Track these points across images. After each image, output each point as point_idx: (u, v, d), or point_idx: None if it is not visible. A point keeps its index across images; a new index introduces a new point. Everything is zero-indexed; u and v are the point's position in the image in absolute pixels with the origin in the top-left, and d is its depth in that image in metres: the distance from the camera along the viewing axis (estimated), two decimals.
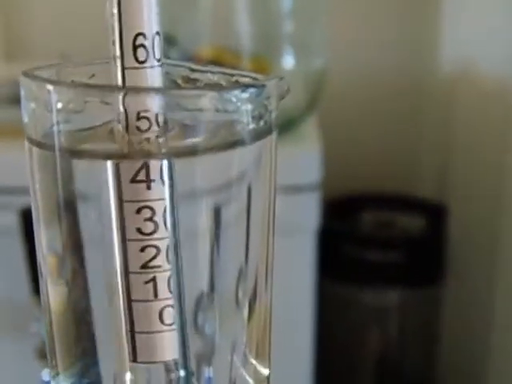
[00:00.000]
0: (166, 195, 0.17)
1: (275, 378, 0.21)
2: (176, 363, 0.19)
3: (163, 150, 0.17)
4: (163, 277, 0.17)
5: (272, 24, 0.69)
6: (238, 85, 0.19)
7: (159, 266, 0.17)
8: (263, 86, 0.18)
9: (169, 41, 0.64)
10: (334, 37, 0.72)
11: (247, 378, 0.20)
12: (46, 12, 0.87)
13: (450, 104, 0.86)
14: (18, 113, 0.19)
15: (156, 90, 0.17)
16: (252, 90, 0.18)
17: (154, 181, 0.17)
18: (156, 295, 0.18)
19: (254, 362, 0.20)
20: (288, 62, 0.68)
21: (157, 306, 0.18)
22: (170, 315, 0.18)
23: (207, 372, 0.20)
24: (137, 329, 0.18)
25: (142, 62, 0.17)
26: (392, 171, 0.95)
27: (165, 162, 0.17)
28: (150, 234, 0.17)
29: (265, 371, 0.20)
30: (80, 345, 0.19)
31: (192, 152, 0.17)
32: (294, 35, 0.69)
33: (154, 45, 0.17)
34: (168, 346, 0.18)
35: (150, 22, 0.17)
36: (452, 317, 0.87)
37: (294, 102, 0.66)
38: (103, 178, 0.17)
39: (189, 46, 0.67)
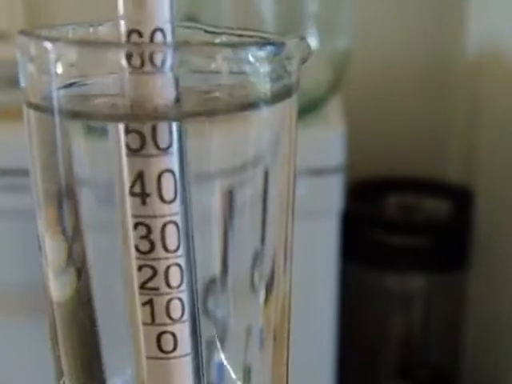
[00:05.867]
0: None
1: (296, 363, 0.20)
2: None
3: (174, 112, 0.16)
4: (161, 300, 0.16)
5: (296, 4, 0.68)
6: (254, 42, 0.17)
7: (156, 289, 0.16)
8: (282, 43, 0.16)
9: (191, 22, 0.63)
10: (359, 16, 0.71)
11: (264, 363, 0.19)
12: None
13: (477, 85, 0.84)
14: None
15: (165, 46, 0.16)
16: (270, 47, 0.16)
17: (149, 195, 0.16)
18: (153, 319, 0.16)
19: (271, 347, 0.19)
20: (312, 42, 0.67)
21: (154, 331, 0.16)
22: (169, 342, 0.16)
23: (218, 358, 0.19)
24: (145, 353, 0.16)
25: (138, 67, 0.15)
26: (417, 153, 0.93)
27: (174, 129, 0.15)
28: (146, 253, 0.16)
29: (283, 356, 0.20)
30: (84, 339, 0.18)
31: (206, 113, 0.16)
32: (319, 15, 0.67)
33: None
34: (176, 374, 0.17)
35: (148, 17, 0.15)
36: (477, 302, 0.85)
37: (318, 83, 0.65)
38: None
39: None
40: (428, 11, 0.89)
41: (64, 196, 0.17)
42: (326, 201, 0.65)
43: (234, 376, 0.19)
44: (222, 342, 0.19)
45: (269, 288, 0.18)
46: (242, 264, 0.18)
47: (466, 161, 0.90)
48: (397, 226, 0.83)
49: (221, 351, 0.19)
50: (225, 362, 0.19)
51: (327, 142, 0.64)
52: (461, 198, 0.85)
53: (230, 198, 0.17)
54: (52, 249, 0.18)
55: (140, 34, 0.15)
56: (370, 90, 0.89)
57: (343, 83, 0.70)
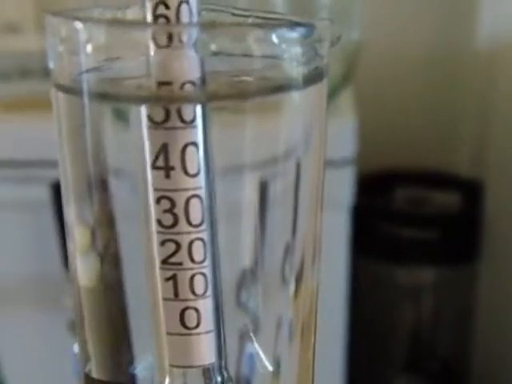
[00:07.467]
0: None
1: None
2: (214, 368, 0.17)
3: (202, 94, 0.16)
4: (184, 276, 0.16)
5: None
6: (285, 23, 0.17)
7: (180, 263, 0.16)
8: (313, 25, 0.16)
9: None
10: (370, 7, 0.70)
11: (292, 355, 0.19)
12: None
13: (488, 78, 0.84)
14: (48, 85, 0.17)
15: (193, 25, 0.16)
16: (301, 28, 0.16)
17: (173, 168, 0.15)
18: (176, 295, 0.16)
19: (299, 340, 0.19)
20: None
21: (177, 306, 0.16)
22: (192, 318, 0.16)
23: (250, 348, 0.19)
24: (167, 330, 0.16)
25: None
26: (427, 146, 0.93)
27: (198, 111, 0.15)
28: (170, 227, 0.16)
29: (309, 350, 0.19)
30: (111, 325, 0.18)
31: (237, 95, 0.16)
32: (330, 6, 0.67)
33: (179, 15, 0.15)
34: (199, 351, 0.16)
35: None
36: (487, 295, 0.85)
37: (329, 74, 0.64)
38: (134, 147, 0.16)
39: None
40: (439, 1, 0.89)
41: (93, 182, 0.17)
42: (337, 194, 0.65)
43: (266, 367, 0.19)
44: (255, 333, 0.19)
45: (298, 281, 0.18)
46: (273, 256, 0.18)
47: (475, 153, 0.90)
48: (406, 219, 0.82)
49: (254, 342, 0.19)
50: (259, 353, 0.19)
51: (338, 133, 0.64)
52: (471, 190, 0.85)
53: (263, 189, 0.17)
54: (79, 234, 0.18)
55: (167, 6, 0.15)
56: (381, 81, 0.89)
57: (354, 74, 0.69)
